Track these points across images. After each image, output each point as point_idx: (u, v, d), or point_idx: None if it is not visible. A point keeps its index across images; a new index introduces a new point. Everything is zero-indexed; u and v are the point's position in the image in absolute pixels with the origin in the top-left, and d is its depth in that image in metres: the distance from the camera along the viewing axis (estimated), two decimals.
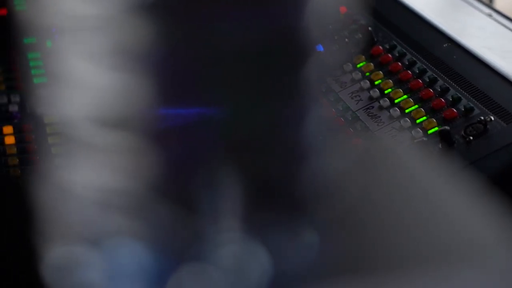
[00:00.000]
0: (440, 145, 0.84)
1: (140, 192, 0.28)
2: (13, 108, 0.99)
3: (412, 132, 0.87)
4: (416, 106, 0.91)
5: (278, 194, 0.30)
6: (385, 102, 0.94)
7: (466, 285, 0.33)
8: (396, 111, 0.91)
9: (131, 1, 0.27)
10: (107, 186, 0.28)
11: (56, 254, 0.31)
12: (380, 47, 1.04)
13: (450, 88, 0.92)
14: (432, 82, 0.94)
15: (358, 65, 1.02)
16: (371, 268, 0.32)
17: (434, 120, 0.88)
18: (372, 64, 1.01)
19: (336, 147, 0.35)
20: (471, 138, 0.83)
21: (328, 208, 0.32)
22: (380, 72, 0.99)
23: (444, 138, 0.83)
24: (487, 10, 1.18)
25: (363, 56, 1.03)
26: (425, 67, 0.97)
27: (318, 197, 0.31)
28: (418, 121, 0.89)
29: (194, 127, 0.29)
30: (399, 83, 0.96)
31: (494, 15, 1.16)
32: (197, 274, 0.29)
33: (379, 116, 0.93)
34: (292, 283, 0.30)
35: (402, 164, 0.47)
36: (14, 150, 0.91)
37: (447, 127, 0.84)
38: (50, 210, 0.31)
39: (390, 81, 0.97)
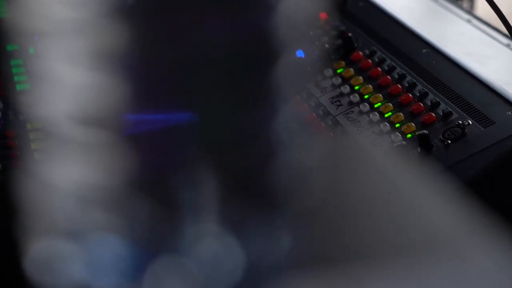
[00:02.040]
0: (418, 149, 0.85)
1: (119, 188, 0.29)
2: None
3: (392, 136, 0.88)
4: (395, 110, 0.92)
5: (253, 190, 0.31)
6: (365, 107, 0.95)
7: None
8: (375, 116, 0.92)
9: (109, 6, 0.27)
10: (88, 182, 0.29)
11: (38, 249, 0.32)
12: (360, 52, 1.05)
13: (429, 92, 0.93)
14: (411, 87, 0.95)
15: (338, 71, 1.03)
16: (341, 262, 0.33)
17: (413, 124, 0.89)
18: (352, 69, 1.02)
19: (312, 145, 0.35)
20: (449, 142, 0.84)
21: (302, 203, 0.33)
22: (360, 77, 1.00)
23: (423, 142, 0.84)
24: (467, 16, 1.19)
25: (343, 62, 1.04)
26: (404, 72, 0.98)
27: (292, 193, 0.32)
28: (397, 125, 0.90)
29: (175, 127, 0.29)
30: (378, 88, 0.97)
31: (474, 21, 1.18)
32: (173, 267, 0.30)
33: (359, 121, 0.93)
34: (265, 276, 0.31)
35: (376, 164, 0.48)
36: None
37: (425, 131, 0.85)
38: (33, 206, 0.32)
39: (370, 86, 0.98)
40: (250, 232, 0.31)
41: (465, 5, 1.78)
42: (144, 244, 0.29)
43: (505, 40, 1.08)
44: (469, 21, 1.18)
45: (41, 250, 0.32)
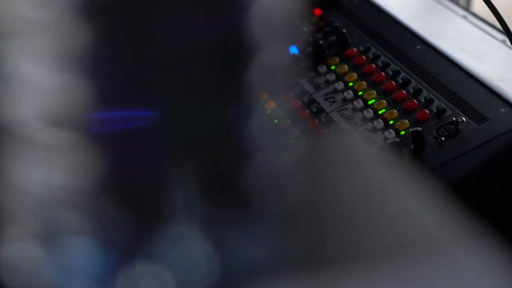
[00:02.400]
0: (412, 146, 0.84)
1: (90, 190, 0.28)
2: None
3: (385, 133, 0.88)
4: (389, 107, 0.92)
5: (229, 191, 0.30)
6: (359, 104, 0.94)
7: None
8: (369, 113, 0.92)
9: (75, 5, 0.27)
10: (57, 184, 0.28)
11: (9, 253, 0.31)
12: (355, 49, 1.04)
13: (423, 89, 0.92)
14: (405, 83, 0.94)
15: (332, 67, 1.03)
16: (318, 264, 0.32)
17: (407, 121, 0.88)
18: (346, 66, 1.01)
19: (299, 145, 0.35)
20: (443, 139, 0.84)
21: (280, 204, 0.32)
22: (354, 74, 0.99)
23: (416, 139, 0.84)
24: (462, 13, 1.19)
25: (338, 58, 1.04)
26: (398, 68, 0.97)
27: (269, 194, 0.31)
28: (391, 122, 0.90)
29: (150, 126, 0.29)
30: (373, 84, 0.97)
31: (469, 17, 1.17)
32: (147, 270, 0.29)
33: (353, 118, 0.93)
34: (242, 279, 0.30)
35: (366, 162, 0.47)
36: None
37: (419, 128, 0.84)
38: (2, 208, 0.31)
39: (364, 82, 0.97)
40: (229, 234, 0.30)
41: (462, 1, 1.77)
42: (116, 246, 0.29)
43: (501, 36, 1.08)
44: (465, 18, 1.17)
45: (12, 254, 0.31)
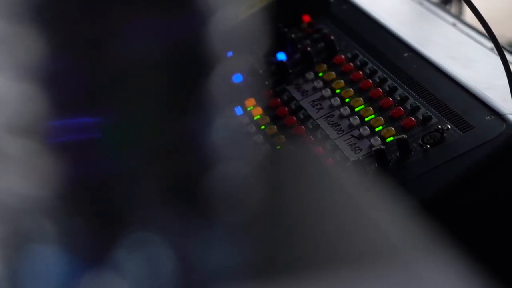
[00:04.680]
0: (397, 153, 0.84)
1: (51, 198, 0.28)
2: None
3: (371, 140, 0.88)
4: (376, 114, 0.92)
5: (192, 198, 0.30)
6: (345, 111, 0.94)
7: None
8: (356, 120, 0.92)
9: (30, 16, 0.27)
10: (19, 192, 0.28)
11: None
12: (343, 56, 1.04)
13: (409, 96, 0.92)
14: (392, 91, 0.94)
15: (320, 74, 1.03)
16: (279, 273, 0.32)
17: (393, 129, 0.88)
18: (333, 72, 1.02)
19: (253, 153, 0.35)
20: (428, 146, 0.84)
21: (241, 212, 0.32)
22: (342, 80, 1.00)
23: (402, 146, 0.84)
24: (452, 20, 1.19)
25: (325, 65, 1.04)
26: (385, 76, 0.97)
27: (227, 202, 0.32)
28: (377, 129, 0.90)
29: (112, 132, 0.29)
30: (360, 92, 0.97)
31: (459, 25, 1.17)
32: (109, 277, 0.29)
33: (339, 125, 0.93)
34: (203, 285, 0.30)
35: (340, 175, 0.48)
36: None
37: (404, 136, 0.84)
38: None
39: (351, 89, 0.97)
40: (190, 242, 0.30)
41: (454, 9, 1.78)
42: (77, 254, 0.29)
43: (490, 44, 1.08)
44: (454, 25, 1.17)
45: None
